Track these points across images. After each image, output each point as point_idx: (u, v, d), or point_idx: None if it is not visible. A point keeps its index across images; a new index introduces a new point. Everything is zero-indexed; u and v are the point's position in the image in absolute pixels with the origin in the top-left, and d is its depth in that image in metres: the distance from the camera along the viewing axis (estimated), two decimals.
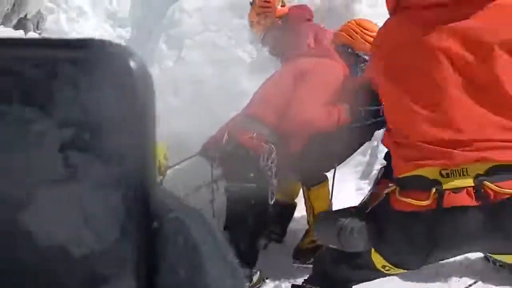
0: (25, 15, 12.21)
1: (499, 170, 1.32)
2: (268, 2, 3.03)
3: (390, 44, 1.51)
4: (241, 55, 3.87)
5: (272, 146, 2.28)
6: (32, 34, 13.49)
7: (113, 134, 0.25)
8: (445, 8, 1.36)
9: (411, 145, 1.42)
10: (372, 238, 1.54)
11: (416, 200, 1.38)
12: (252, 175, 2.29)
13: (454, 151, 1.34)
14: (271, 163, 2.26)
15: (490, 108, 1.33)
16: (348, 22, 2.68)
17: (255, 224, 2.42)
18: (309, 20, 3.04)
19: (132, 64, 0.25)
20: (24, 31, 14.87)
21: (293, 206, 2.84)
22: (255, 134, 2.28)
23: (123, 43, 7.31)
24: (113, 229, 0.24)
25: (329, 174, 2.61)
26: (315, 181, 2.55)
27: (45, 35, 11.11)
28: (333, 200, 2.55)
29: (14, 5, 8.08)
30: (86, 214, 0.24)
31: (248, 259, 2.55)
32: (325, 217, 2.06)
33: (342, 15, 3.77)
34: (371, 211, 1.56)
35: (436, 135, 1.37)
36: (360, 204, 1.77)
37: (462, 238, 1.43)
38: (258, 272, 2.86)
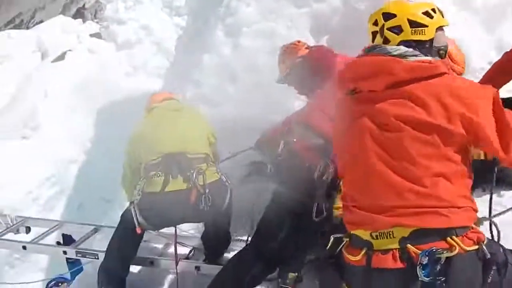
0: (83, 5, 12.75)
1: (420, 234, 1.43)
2: (295, 44, 3.03)
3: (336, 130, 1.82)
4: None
5: (329, 162, 2.23)
6: (90, 23, 14.09)
7: None
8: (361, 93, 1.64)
9: (350, 209, 1.63)
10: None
11: (351, 255, 1.57)
12: (304, 186, 2.27)
13: (376, 216, 1.51)
14: (326, 178, 2.23)
15: (405, 176, 1.48)
16: None
17: (292, 235, 2.41)
18: (335, 55, 2.87)
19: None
20: (82, 20, 15.56)
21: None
22: (312, 146, 2.28)
23: (179, 31, 7.49)
24: None
25: None
26: None
27: (103, 23, 11.59)
28: None
29: None
30: None
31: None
32: None
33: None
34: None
35: (363, 201, 1.58)
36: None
37: None
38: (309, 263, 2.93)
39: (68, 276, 4.39)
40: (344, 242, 1.66)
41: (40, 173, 6.97)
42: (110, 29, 10.16)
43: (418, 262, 1.39)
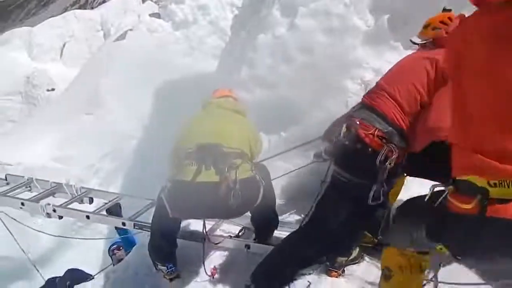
0: None
1: None
2: (450, 20, 2.80)
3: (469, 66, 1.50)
4: (357, 23, 3.71)
5: (394, 147, 2.18)
6: (150, 3, 14.38)
7: None
8: None
9: (467, 152, 1.48)
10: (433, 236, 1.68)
11: (461, 203, 1.46)
12: (363, 171, 2.24)
13: (501, 165, 1.37)
14: (389, 164, 2.19)
15: None
16: None
17: (349, 218, 2.38)
18: None
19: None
20: (142, 0, 15.77)
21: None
22: (377, 131, 2.20)
23: (235, 10, 7.47)
24: None
25: None
26: None
27: (162, 3, 11.84)
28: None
29: None
30: None
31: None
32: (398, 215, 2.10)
33: None
34: (433, 209, 1.61)
35: (487, 145, 1.41)
36: (423, 201, 1.75)
37: (499, 248, 1.44)
38: (357, 248, 2.90)
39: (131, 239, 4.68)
40: (448, 190, 1.56)
41: (102, 148, 7.36)
42: (168, 8, 10.35)
43: None
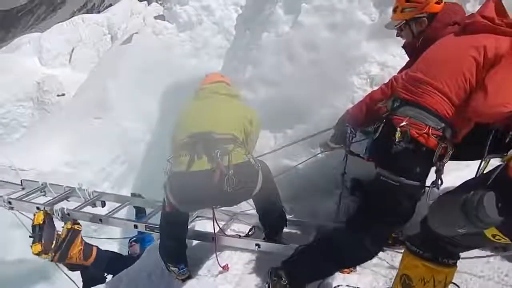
0: None
1: None
2: None
3: None
4: (361, 18, 3.68)
5: (449, 143, 2.11)
6: (155, 5, 14.46)
7: None
8: None
9: None
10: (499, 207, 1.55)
11: None
12: (418, 170, 2.12)
13: None
14: (445, 161, 2.12)
15: None
16: None
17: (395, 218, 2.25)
18: (456, 23, 2.54)
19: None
20: (148, 2, 15.91)
21: None
22: (431, 129, 2.09)
23: (239, 10, 7.48)
24: None
25: None
26: None
27: (166, 5, 11.88)
28: None
29: None
30: None
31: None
32: (442, 200, 1.98)
33: None
34: (492, 181, 1.57)
35: None
36: (479, 177, 1.71)
37: None
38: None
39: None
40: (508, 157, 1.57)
41: (112, 151, 7.44)
42: (173, 10, 10.39)
43: None
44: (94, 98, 8.52)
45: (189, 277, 3.10)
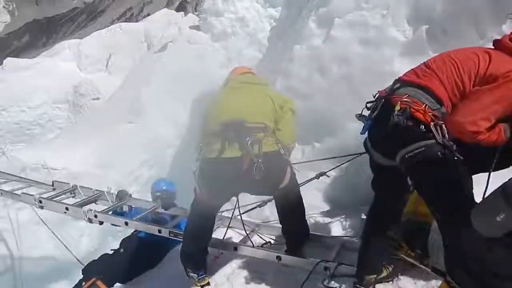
0: None
1: None
2: None
3: None
4: (394, 35, 3.65)
5: (443, 125, 2.03)
6: (191, 16, 14.76)
7: None
8: None
9: None
10: None
11: None
12: (423, 148, 2.02)
13: None
14: (448, 141, 2.00)
15: None
16: None
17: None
18: None
19: None
20: (184, 13, 16.31)
21: None
22: (426, 108, 2.04)
23: (273, 22, 7.53)
24: None
25: None
26: None
27: (202, 16, 12.15)
28: None
29: None
30: None
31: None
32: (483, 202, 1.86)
33: None
34: None
35: None
36: None
37: None
38: (390, 267, 2.77)
39: None
40: None
41: (141, 155, 7.60)
42: (208, 21, 10.59)
43: None
44: (127, 103, 8.75)
45: (208, 284, 3.10)
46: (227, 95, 3.07)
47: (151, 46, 13.37)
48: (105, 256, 4.37)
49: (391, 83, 3.55)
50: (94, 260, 4.31)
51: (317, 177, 3.52)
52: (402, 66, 3.57)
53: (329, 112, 3.71)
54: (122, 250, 4.33)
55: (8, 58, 13.02)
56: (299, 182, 3.15)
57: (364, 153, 2.75)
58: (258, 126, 2.76)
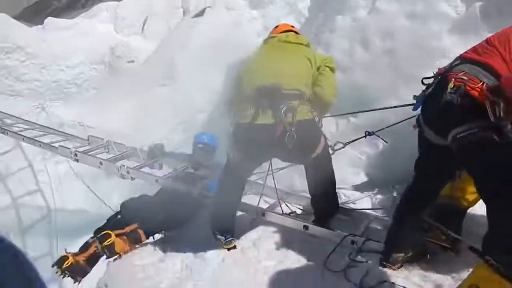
0: None
1: None
2: None
3: None
4: (445, 9, 3.48)
5: (502, 102, 1.89)
6: None
7: None
8: None
9: None
10: None
11: None
12: (475, 130, 1.92)
13: None
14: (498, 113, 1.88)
15: None
16: None
17: None
18: None
19: None
20: None
21: None
22: (484, 85, 1.94)
23: None
24: None
25: None
26: None
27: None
28: None
29: None
30: None
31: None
32: None
33: None
34: None
35: None
36: None
37: None
38: (419, 247, 2.71)
39: None
40: None
41: (173, 119, 7.68)
42: None
43: None
44: (162, 67, 8.79)
45: (234, 247, 3.16)
46: (264, 55, 3.01)
47: (187, 12, 13.28)
48: (145, 198, 4.11)
49: (437, 59, 3.45)
50: (133, 199, 4.07)
51: (365, 136, 3.32)
52: (451, 43, 3.43)
53: (368, 87, 3.62)
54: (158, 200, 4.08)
55: (49, 17, 13.20)
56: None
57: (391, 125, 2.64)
58: (294, 93, 2.72)
